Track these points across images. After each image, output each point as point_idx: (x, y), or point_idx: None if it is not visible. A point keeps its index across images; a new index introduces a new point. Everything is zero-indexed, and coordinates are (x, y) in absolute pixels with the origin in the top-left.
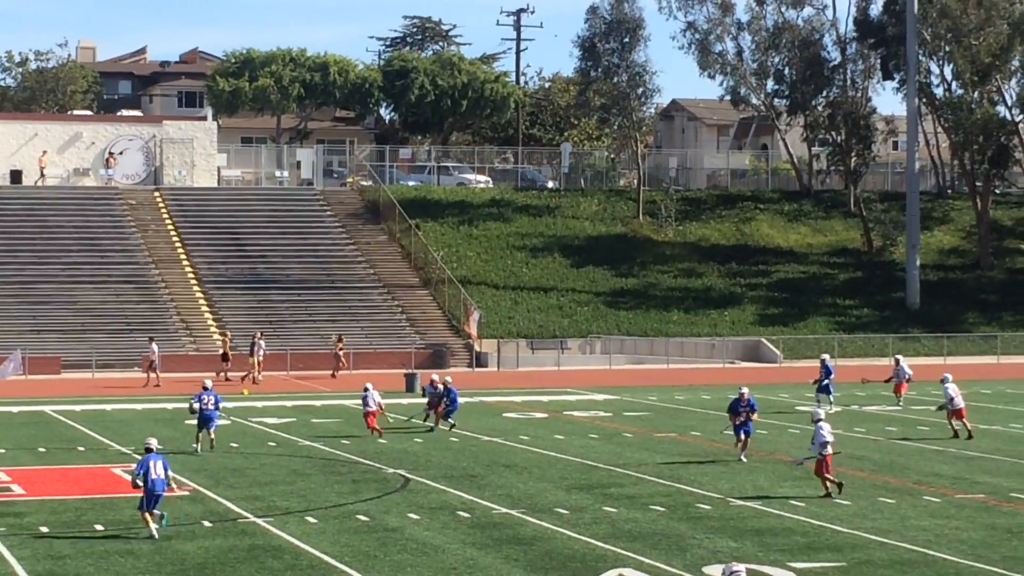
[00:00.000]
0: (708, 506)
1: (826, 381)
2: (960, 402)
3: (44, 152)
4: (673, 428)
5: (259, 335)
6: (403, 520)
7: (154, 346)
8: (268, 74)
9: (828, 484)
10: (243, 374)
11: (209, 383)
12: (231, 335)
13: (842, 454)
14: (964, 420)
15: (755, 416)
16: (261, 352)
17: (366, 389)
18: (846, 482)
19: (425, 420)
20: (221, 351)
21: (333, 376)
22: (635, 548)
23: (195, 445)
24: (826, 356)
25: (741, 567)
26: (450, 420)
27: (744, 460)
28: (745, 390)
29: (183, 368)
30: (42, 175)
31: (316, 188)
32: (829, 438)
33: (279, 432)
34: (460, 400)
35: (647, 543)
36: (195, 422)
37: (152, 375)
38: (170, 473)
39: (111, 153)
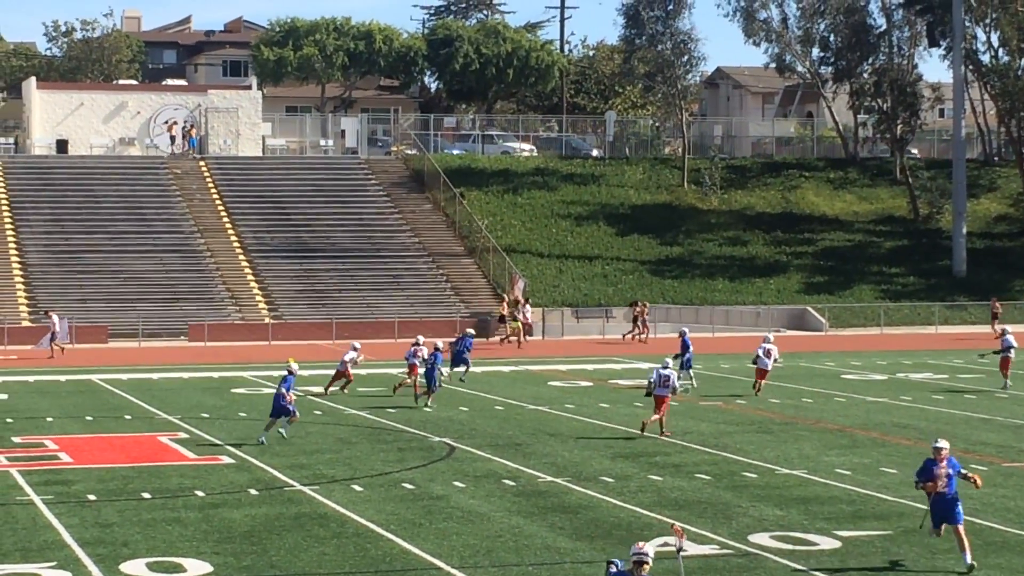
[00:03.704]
0: (754, 474)
1: (687, 355)
2: (1013, 355)
3: (174, 122)
4: (718, 397)
5: (525, 300)
6: (448, 488)
7: (55, 317)
8: (312, 43)
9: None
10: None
11: (440, 343)
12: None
13: (887, 424)
14: (1007, 372)
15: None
16: (528, 313)
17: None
18: (893, 451)
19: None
20: (499, 314)
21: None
22: (680, 517)
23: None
24: (685, 329)
25: (648, 547)
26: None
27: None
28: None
29: (229, 337)
30: (172, 141)
31: (360, 157)
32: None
33: (325, 401)
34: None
35: (693, 511)
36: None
37: (55, 347)
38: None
39: (174, 123)
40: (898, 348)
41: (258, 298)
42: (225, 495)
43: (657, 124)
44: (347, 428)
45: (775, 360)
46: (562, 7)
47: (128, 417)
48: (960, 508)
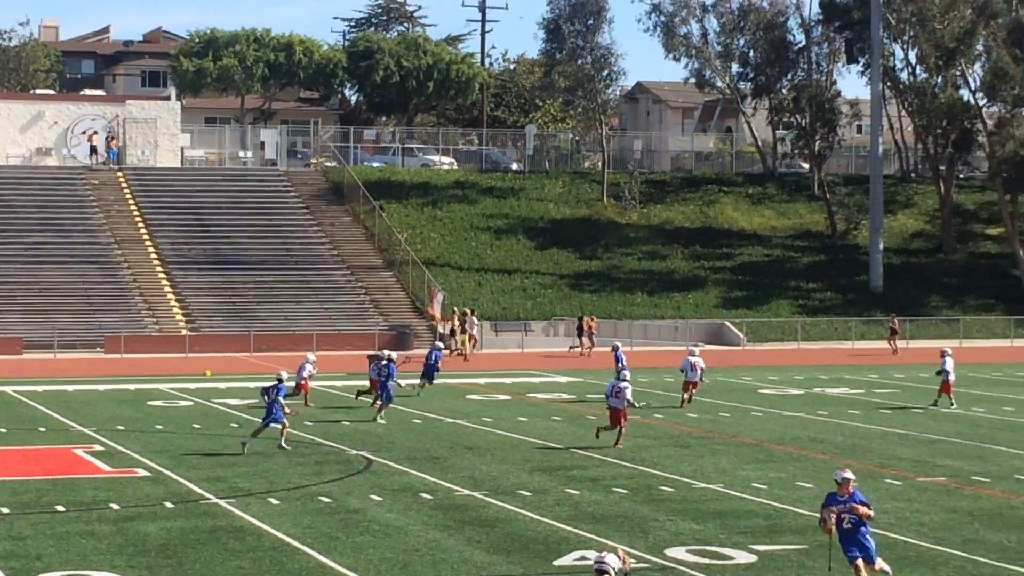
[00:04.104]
0: (671, 488)
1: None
2: (951, 378)
3: (94, 132)
4: (636, 411)
5: (471, 312)
6: (365, 502)
7: None
8: (232, 54)
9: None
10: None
11: (394, 355)
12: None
13: (803, 438)
14: (950, 395)
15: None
16: (474, 328)
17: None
18: (809, 465)
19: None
20: (449, 327)
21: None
22: (597, 530)
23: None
24: (618, 344)
25: (610, 558)
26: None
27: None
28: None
29: (145, 349)
30: (93, 152)
31: (280, 169)
32: None
33: (242, 413)
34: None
35: (609, 525)
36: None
37: None
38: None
39: (95, 133)
40: (815, 363)
41: (175, 310)
42: (140, 508)
43: (577, 138)
44: (264, 441)
45: (701, 372)
46: (483, 20)
47: (43, 429)
48: (871, 543)
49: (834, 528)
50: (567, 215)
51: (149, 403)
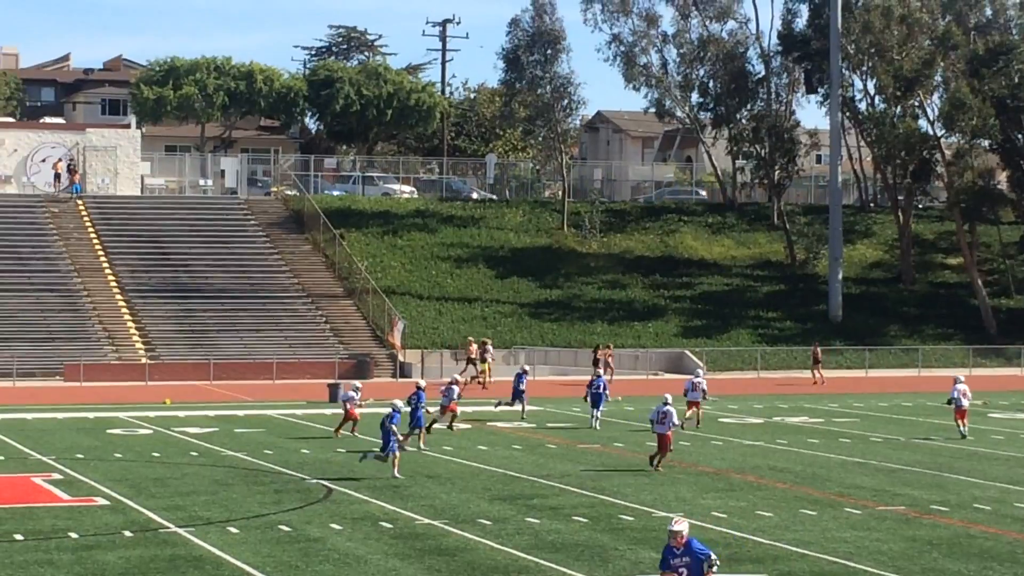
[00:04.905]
0: (631, 517)
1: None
2: (965, 403)
3: (59, 160)
4: (596, 439)
5: (488, 341)
6: (325, 531)
7: None
8: (192, 82)
9: None
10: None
11: (423, 382)
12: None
13: (763, 467)
14: (964, 420)
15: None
16: (491, 357)
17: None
18: (769, 494)
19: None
20: (467, 356)
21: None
22: (558, 559)
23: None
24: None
25: (683, 521)
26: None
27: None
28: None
29: (105, 377)
30: (57, 178)
31: (240, 197)
32: None
33: (201, 442)
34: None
35: (570, 554)
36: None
37: None
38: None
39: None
40: (774, 392)
41: (135, 338)
42: (99, 537)
43: (537, 167)
44: (224, 470)
45: (703, 392)
46: (443, 50)
47: (1, 458)
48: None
49: None
50: (527, 244)
51: (108, 431)
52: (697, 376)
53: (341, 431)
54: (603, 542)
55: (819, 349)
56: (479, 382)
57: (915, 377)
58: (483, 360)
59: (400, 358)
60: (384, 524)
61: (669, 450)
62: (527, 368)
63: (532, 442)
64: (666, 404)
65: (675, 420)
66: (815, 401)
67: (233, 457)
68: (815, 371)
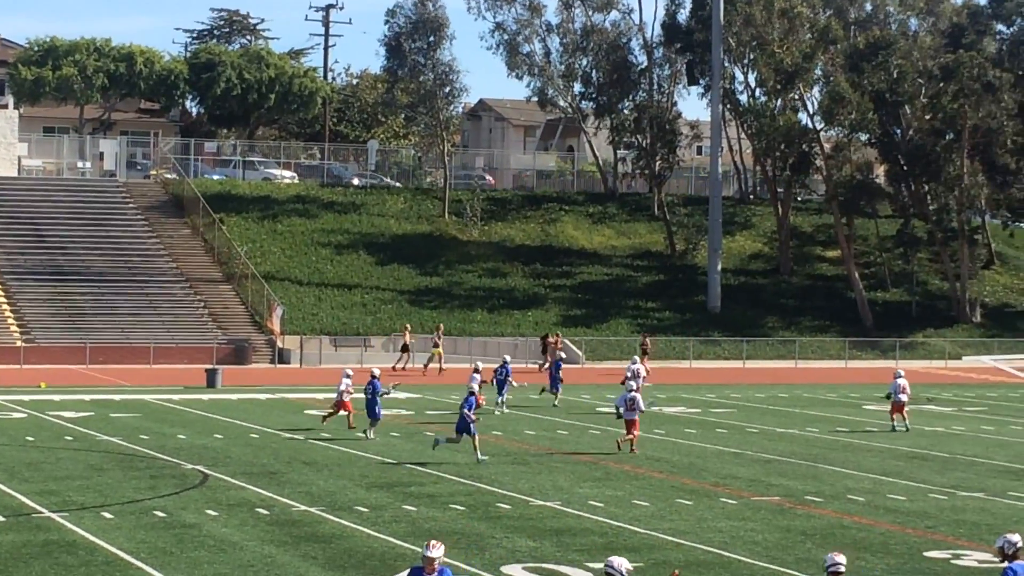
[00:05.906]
0: (508, 505)
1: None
2: (904, 398)
3: None
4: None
5: (441, 327)
6: (201, 516)
7: None
8: (72, 63)
9: None
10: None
11: (377, 371)
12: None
13: (639, 455)
14: (904, 414)
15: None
16: (438, 339)
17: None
18: (646, 483)
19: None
20: (402, 343)
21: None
22: None
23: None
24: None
25: (439, 547)
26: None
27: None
28: (634, 384)
29: None
30: None
31: (119, 180)
32: None
33: (76, 426)
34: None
35: (446, 542)
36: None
37: None
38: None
39: None
40: (653, 381)
41: (10, 320)
42: None
43: (419, 154)
44: (99, 454)
45: (643, 378)
46: (326, 35)
47: None
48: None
49: None
50: (408, 231)
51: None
52: (635, 363)
53: (329, 420)
54: (480, 530)
55: (647, 339)
56: (436, 368)
57: (792, 369)
58: (435, 345)
59: (279, 344)
60: (260, 510)
61: (635, 434)
62: (508, 358)
63: (410, 429)
64: (631, 391)
65: (642, 406)
66: (693, 391)
67: (108, 442)
68: (644, 362)
